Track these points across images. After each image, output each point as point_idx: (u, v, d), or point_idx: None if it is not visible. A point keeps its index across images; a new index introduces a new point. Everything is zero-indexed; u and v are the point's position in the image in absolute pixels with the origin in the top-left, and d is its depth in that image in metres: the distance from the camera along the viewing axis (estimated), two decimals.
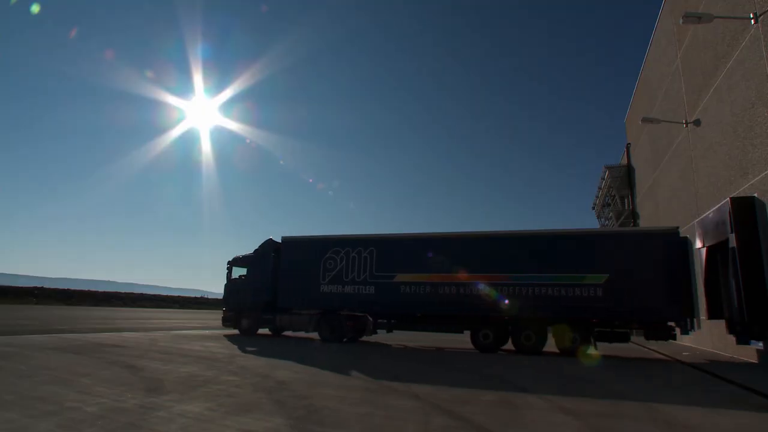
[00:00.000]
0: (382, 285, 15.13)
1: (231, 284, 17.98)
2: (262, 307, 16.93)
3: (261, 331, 17.83)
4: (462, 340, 15.50)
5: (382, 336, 17.50)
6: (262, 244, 17.67)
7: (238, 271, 18.03)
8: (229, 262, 18.12)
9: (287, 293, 16.67)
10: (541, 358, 12.72)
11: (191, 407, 5.41)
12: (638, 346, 17.67)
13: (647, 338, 13.19)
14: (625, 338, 12.92)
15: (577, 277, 13.00)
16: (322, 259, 16.16)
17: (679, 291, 12.12)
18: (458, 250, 14.78)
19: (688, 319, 12.08)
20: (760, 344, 10.90)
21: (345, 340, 16.16)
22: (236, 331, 17.70)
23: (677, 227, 13.03)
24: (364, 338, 17.10)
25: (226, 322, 17.94)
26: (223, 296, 18.31)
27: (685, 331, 12.23)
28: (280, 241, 17.53)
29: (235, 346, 12.92)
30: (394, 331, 16.08)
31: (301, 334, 17.58)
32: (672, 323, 12.52)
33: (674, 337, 12.71)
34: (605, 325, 13.07)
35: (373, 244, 15.67)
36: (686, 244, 12.48)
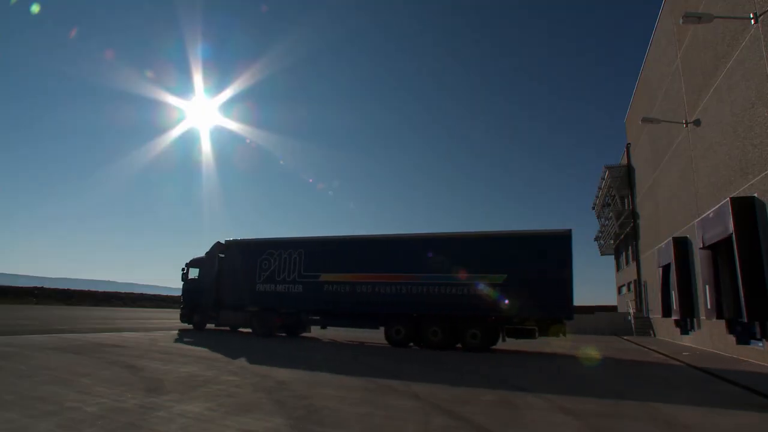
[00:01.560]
0: (309, 284, 16.27)
1: (187, 284, 19.46)
2: (209, 304, 18.34)
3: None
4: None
5: (335, 332, 18.74)
6: (212, 246, 19.03)
7: (196, 272, 19.55)
8: (186, 264, 19.58)
9: (228, 292, 18.00)
10: (540, 357, 12.73)
11: (191, 407, 5.41)
12: (638, 346, 17.67)
13: (540, 335, 13.81)
14: (531, 335, 13.68)
15: (478, 276, 13.89)
16: (259, 260, 17.40)
17: (564, 290, 13.04)
18: (374, 251, 15.89)
19: (689, 319, 12.14)
20: (760, 344, 10.89)
21: (284, 335, 17.47)
22: (191, 327, 19.23)
23: (569, 230, 13.60)
24: (303, 334, 18.40)
25: (183, 318, 19.53)
26: (181, 295, 19.88)
27: (684, 331, 12.27)
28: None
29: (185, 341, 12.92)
30: (328, 327, 17.44)
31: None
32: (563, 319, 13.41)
33: (564, 333, 13.61)
34: (505, 322, 13.91)
35: (301, 246, 16.93)
36: (570, 246, 13.36)
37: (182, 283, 19.54)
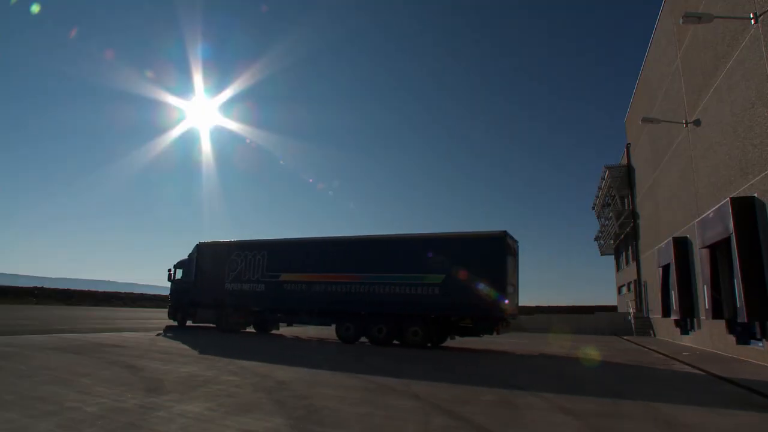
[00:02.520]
0: (271, 283, 17.21)
1: (174, 284, 20.77)
2: (188, 302, 19.63)
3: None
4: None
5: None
6: (193, 248, 20.19)
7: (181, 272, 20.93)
8: (174, 265, 20.83)
9: (202, 290, 19.21)
10: (540, 357, 12.73)
11: (191, 407, 5.41)
12: (638, 346, 17.67)
13: (477, 332, 14.28)
14: (476, 333, 14.19)
15: (419, 276, 14.46)
16: (228, 261, 18.49)
17: (498, 289, 13.45)
18: (326, 253, 16.71)
19: (689, 319, 12.15)
20: (760, 344, 10.89)
21: (254, 332, 18.64)
22: (176, 323, 20.55)
23: (504, 231, 13.97)
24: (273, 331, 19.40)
25: (170, 315, 20.96)
26: (169, 294, 21.28)
27: (684, 331, 12.27)
28: None
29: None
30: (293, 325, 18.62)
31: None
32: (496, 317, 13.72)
33: (498, 332, 13.88)
34: (444, 320, 14.34)
35: (265, 248, 17.85)
36: (503, 246, 13.74)
37: (169, 283, 20.84)
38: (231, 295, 18.06)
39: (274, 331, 19.44)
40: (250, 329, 19.22)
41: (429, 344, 14.65)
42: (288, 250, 17.64)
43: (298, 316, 17.03)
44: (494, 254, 13.72)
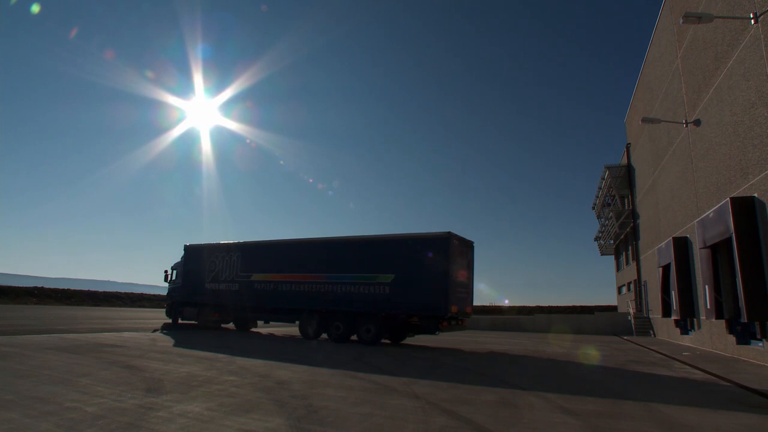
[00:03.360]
0: (243, 283, 18.26)
1: (169, 284, 22.33)
2: (177, 301, 21.11)
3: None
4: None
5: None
6: (184, 251, 21.49)
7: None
8: (171, 267, 22.24)
9: (187, 290, 20.49)
10: (539, 358, 12.72)
11: (191, 407, 5.41)
12: (638, 346, 17.67)
13: (426, 330, 14.57)
14: (429, 330, 14.46)
15: (371, 276, 15.10)
16: (208, 262, 19.68)
17: (442, 288, 13.84)
18: (291, 254, 17.59)
19: (689, 319, 12.16)
20: (760, 344, 10.89)
21: (234, 330, 20.05)
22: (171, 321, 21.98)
23: (448, 232, 14.25)
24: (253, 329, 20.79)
25: (166, 313, 22.63)
26: (166, 293, 22.88)
27: (684, 331, 12.27)
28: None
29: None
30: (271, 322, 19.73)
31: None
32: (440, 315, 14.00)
33: (443, 329, 14.27)
34: (394, 318, 14.87)
35: (239, 250, 18.92)
36: (447, 247, 14.03)
37: (167, 283, 22.57)
38: (210, 294, 19.22)
39: (253, 329, 20.82)
40: (230, 327, 20.72)
41: (383, 341, 15.34)
42: (258, 252, 18.60)
43: (267, 314, 17.90)
44: (438, 255, 14.12)
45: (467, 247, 15.32)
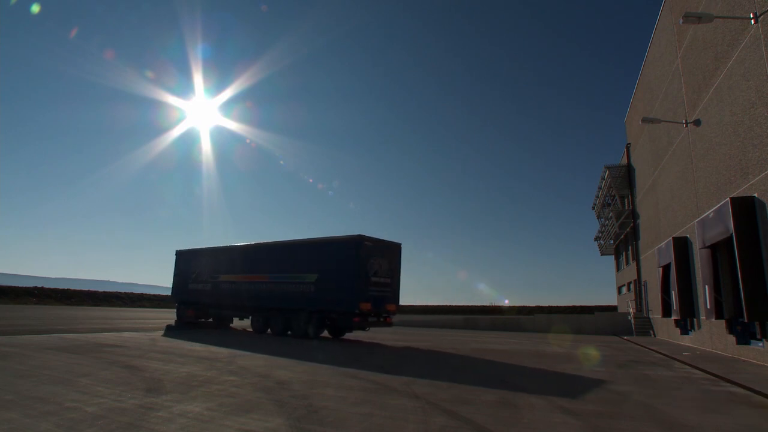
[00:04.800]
0: (214, 284, 20.14)
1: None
2: (177, 300, 22.93)
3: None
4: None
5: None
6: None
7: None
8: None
9: (177, 290, 22.58)
10: (539, 358, 12.71)
11: (191, 407, 5.41)
12: (638, 346, 17.66)
13: (340, 324, 16.00)
14: (348, 325, 15.66)
15: (301, 276, 16.40)
16: (192, 265, 21.70)
17: (353, 287, 14.75)
18: (246, 257, 19.26)
19: (688, 319, 12.17)
20: (760, 344, 10.89)
21: (221, 325, 21.88)
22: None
23: (359, 235, 15.28)
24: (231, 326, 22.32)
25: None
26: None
27: (684, 331, 12.28)
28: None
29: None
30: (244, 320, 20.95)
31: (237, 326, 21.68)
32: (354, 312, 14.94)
33: (357, 325, 15.19)
34: (318, 314, 15.89)
35: (213, 254, 20.95)
36: (359, 249, 14.93)
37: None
38: (193, 294, 21.13)
39: (231, 325, 22.78)
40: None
41: (339, 337, 16.85)
42: (224, 255, 20.40)
43: (229, 310, 19.89)
44: (351, 256, 15.06)
45: (388, 248, 16.17)
